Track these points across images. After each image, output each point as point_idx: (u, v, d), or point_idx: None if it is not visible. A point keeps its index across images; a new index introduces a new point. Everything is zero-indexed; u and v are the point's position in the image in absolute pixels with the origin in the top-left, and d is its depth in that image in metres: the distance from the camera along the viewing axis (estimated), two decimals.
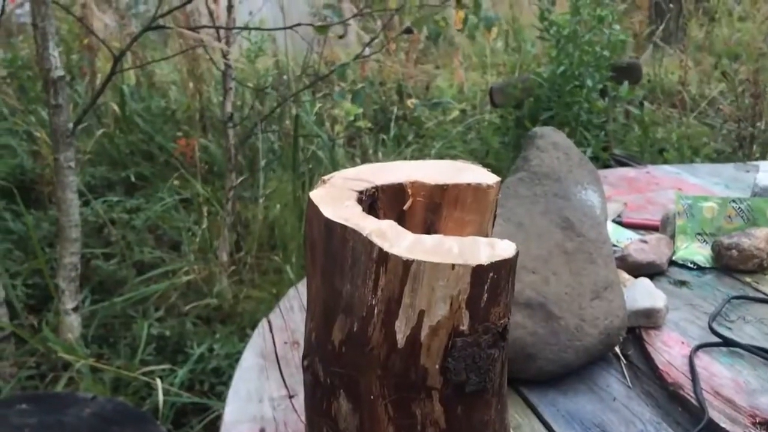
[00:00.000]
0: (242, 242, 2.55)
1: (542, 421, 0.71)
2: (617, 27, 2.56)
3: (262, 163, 2.56)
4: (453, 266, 0.38)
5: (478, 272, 0.38)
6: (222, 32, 1.95)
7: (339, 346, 0.42)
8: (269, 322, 0.89)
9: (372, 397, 0.41)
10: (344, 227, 0.40)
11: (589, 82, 2.48)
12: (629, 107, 2.94)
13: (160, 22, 1.61)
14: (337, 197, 0.42)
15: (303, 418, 0.71)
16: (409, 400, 0.41)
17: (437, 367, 0.40)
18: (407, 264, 0.38)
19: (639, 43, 3.73)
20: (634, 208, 1.28)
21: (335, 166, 2.66)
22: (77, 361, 1.77)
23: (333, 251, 0.41)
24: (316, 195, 0.42)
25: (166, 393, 1.71)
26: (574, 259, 0.80)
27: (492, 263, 0.38)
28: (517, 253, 0.41)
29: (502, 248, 0.40)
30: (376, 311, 0.40)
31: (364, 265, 0.40)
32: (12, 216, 2.57)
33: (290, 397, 0.74)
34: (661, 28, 3.80)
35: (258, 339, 0.86)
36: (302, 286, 0.98)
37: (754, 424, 0.69)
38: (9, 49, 3.76)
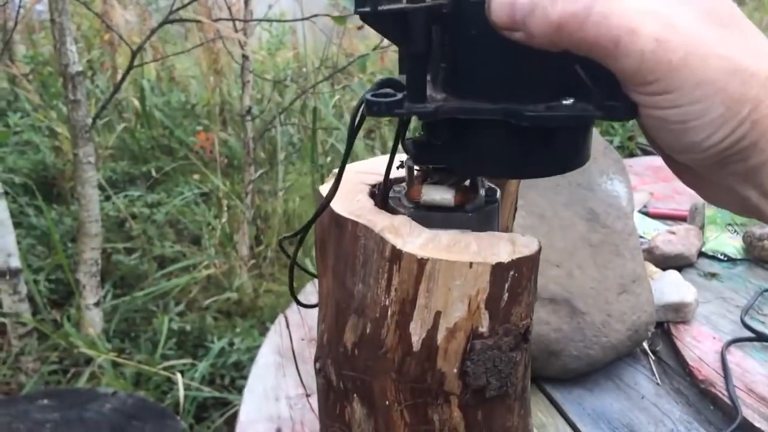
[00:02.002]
0: (262, 236, 2.54)
1: (567, 421, 0.68)
2: None
3: (281, 155, 2.54)
4: (471, 264, 0.35)
5: (498, 270, 0.36)
6: (239, 24, 1.93)
7: (351, 348, 0.39)
8: (286, 318, 0.88)
9: (387, 402, 0.39)
10: (355, 223, 0.38)
11: None
12: None
13: (180, 15, 1.59)
14: (348, 191, 0.40)
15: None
16: (426, 406, 0.39)
17: (455, 371, 0.37)
18: (422, 262, 0.36)
19: None
20: (661, 197, 1.25)
21: (354, 159, 2.64)
22: (98, 356, 1.77)
23: (344, 249, 0.39)
24: (326, 189, 0.40)
25: (186, 388, 1.71)
26: (599, 252, 0.77)
27: (513, 260, 0.36)
28: (540, 249, 0.38)
29: (524, 244, 0.38)
30: (389, 312, 0.37)
31: (377, 263, 0.37)
32: (35, 212, 2.59)
33: (307, 395, 0.73)
34: None
35: (275, 336, 0.84)
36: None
37: None
38: (30, 45, 3.78)
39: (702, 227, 1.05)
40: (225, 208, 2.50)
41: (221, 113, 3.38)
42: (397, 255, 0.36)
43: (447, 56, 0.34)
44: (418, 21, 0.32)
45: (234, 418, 1.84)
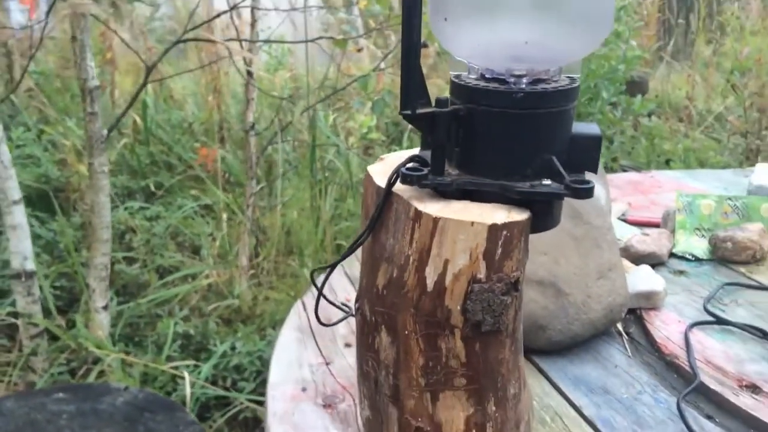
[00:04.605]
0: (260, 248, 2.64)
1: (552, 384, 0.79)
2: (633, 43, 2.65)
3: (281, 171, 2.65)
4: (472, 223, 0.46)
5: (493, 230, 0.47)
6: (245, 45, 2.05)
7: (382, 289, 0.50)
8: (303, 303, 0.98)
9: (406, 332, 0.50)
10: (391, 192, 0.49)
11: (605, 95, 2.57)
12: (639, 119, 3.02)
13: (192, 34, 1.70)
14: (388, 171, 0.51)
15: (339, 380, 0.80)
16: (436, 336, 0.49)
17: (459, 308, 0.48)
18: (436, 221, 0.47)
19: (647, 59, 3.81)
20: (638, 207, 1.36)
21: (351, 175, 2.75)
22: (107, 356, 1.86)
23: (381, 215, 0.50)
24: (373, 169, 0.52)
25: (191, 386, 1.80)
26: (581, 244, 0.88)
27: (505, 223, 0.47)
28: (530, 218, 0.49)
29: (517, 213, 0.48)
30: (411, 260, 0.48)
31: (404, 222, 0.48)
32: (38, 223, 2.68)
33: (327, 363, 0.83)
34: (671, 44, 3.88)
35: (294, 317, 0.94)
36: (335, 274, 1.07)
37: (740, 386, 0.77)
38: (34, 61, 3.88)
39: (673, 231, 1.17)
40: (225, 220, 2.60)
41: (220, 131, 3.49)
42: (418, 215, 0.47)
43: (461, 144, 0.49)
44: (443, 121, 0.47)
45: (235, 418, 1.93)
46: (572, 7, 0.44)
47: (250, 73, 2.08)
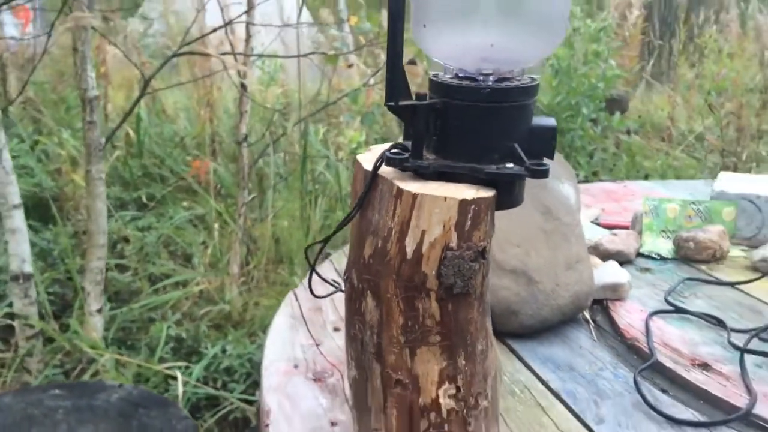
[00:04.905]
0: (251, 257, 2.70)
1: (523, 362, 0.86)
2: (612, 62, 2.77)
3: (272, 182, 2.73)
4: (445, 199, 0.54)
5: (463, 204, 0.54)
6: (239, 58, 2.13)
7: (368, 259, 0.58)
8: (295, 294, 1.05)
9: (389, 295, 0.57)
10: (377, 174, 0.57)
11: (585, 111, 2.68)
12: (619, 135, 3.13)
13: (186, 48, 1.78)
14: (374, 158, 0.58)
15: (328, 359, 0.87)
16: (413, 298, 0.57)
17: (433, 273, 0.56)
18: (415, 197, 0.55)
19: (628, 78, 3.93)
20: (611, 213, 1.45)
21: (340, 188, 2.84)
22: (101, 356, 1.91)
23: (368, 194, 0.57)
24: (361, 157, 0.60)
25: (184, 385, 1.85)
26: (551, 237, 0.96)
27: (473, 199, 0.55)
28: (495, 196, 0.57)
29: (484, 191, 0.56)
30: (393, 232, 0.56)
31: (387, 200, 0.56)
32: (32, 231, 2.73)
33: (317, 345, 0.90)
34: (650, 64, 4.01)
35: (286, 306, 1.01)
36: (324, 268, 1.14)
37: (692, 365, 0.85)
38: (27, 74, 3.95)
39: (640, 232, 1.25)
40: (217, 229, 2.66)
41: (212, 144, 3.57)
42: (400, 192, 0.55)
43: (437, 133, 0.57)
44: (422, 112, 0.56)
45: (225, 418, 1.99)
46: (530, 17, 0.53)
47: (243, 86, 2.16)
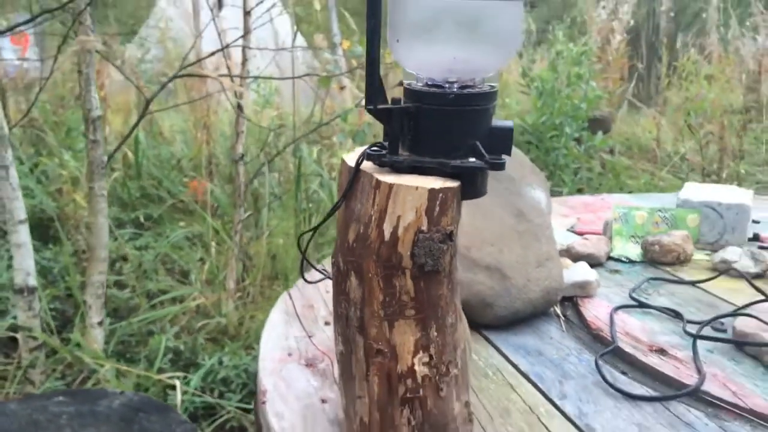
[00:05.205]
0: (247, 273, 2.78)
1: (496, 349, 0.95)
2: (593, 84, 2.89)
3: (267, 200, 2.82)
4: (417, 188, 0.63)
5: (432, 193, 0.63)
6: (236, 80, 2.23)
7: (352, 243, 0.66)
8: (290, 294, 1.13)
9: (370, 275, 0.66)
10: (359, 169, 0.66)
11: (568, 130, 2.79)
12: (603, 154, 3.25)
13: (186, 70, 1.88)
14: (354, 157, 0.67)
15: (319, 348, 0.95)
16: (391, 276, 0.65)
17: (408, 253, 0.64)
18: (391, 187, 0.64)
19: (613, 99, 4.06)
20: (586, 222, 1.54)
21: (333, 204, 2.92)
22: (102, 366, 1.98)
23: (352, 186, 0.66)
24: (346, 157, 0.69)
25: (182, 394, 1.92)
26: (523, 238, 1.05)
27: (441, 188, 0.64)
28: (459, 186, 0.66)
29: (450, 182, 0.65)
30: (373, 218, 0.65)
31: (368, 191, 0.65)
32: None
33: (309, 336, 0.98)
34: (631, 86, 4.14)
35: (281, 304, 1.10)
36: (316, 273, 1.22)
37: (650, 350, 0.93)
38: (26, 100, 4.05)
39: (611, 238, 1.34)
40: (213, 246, 2.75)
41: (208, 165, 3.66)
42: (378, 183, 0.64)
43: (410, 132, 0.67)
44: (397, 115, 0.66)
45: (222, 427, 2.06)
46: (484, 35, 0.62)
47: (240, 107, 2.26)
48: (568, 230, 1.44)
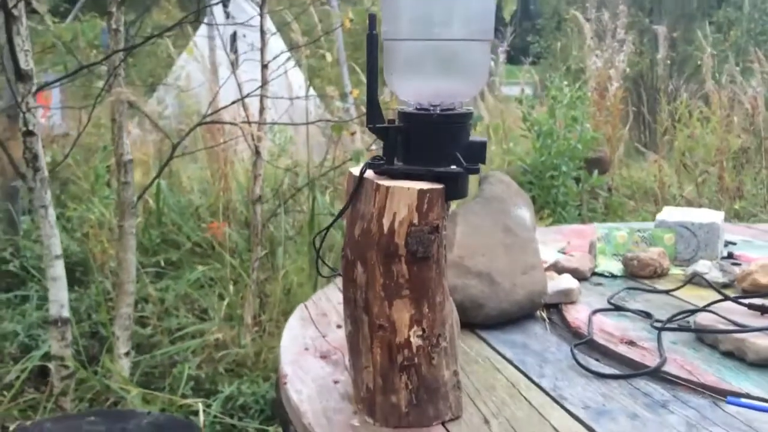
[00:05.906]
0: (263, 311, 2.93)
1: (486, 343, 1.09)
2: (588, 125, 3.06)
3: (282, 240, 2.98)
4: (408, 189, 0.79)
5: (421, 193, 0.79)
6: (254, 127, 2.42)
7: (357, 237, 0.82)
8: (305, 305, 1.28)
9: (372, 263, 0.81)
10: (363, 177, 0.82)
11: (564, 168, 2.95)
12: (599, 191, 3.40)
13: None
14: (358, 168, 0.83)
15: (332, 344, 1.09)
16: (390, 263, 0.80)
17: (403, 243, 0.79)
18: (388, 189, 0.79)
19: (612, 143, 4.24)
20: (576, 247, 1.68)
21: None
22: (129, 392, 2.12)
23: (357, 191, 0.82)
24: (351, 170, 0.85)
25: (205, 417, 2.05)
26: (510, 250, 1.20)
27: (427, 189, 0.79)
28: (443, 188, 0.81)
29: (435, 185, 0.81)
30: (374, 215, 0.80)
31: (370, 193, 0.81)
32: None
33: (323, 336, 1.13)
34: (626, 128, 4.32)
35: (298, 312, 1.24)
36: (329, 290, 1.37)
37: (621, 342, 1.07)
38: (54, 152, 4.29)
39: (595, 256, 1.48)
40: (232, 284, 2.90)
41: (225, 211, 3.85)
42: (378, 187, 0.80)
43: (403, 146, 0.82)
44: (392, 132, 0.83)
45: None
46: (458, 71, 0.79)
47: (258, 151, 2.45)
48: (558, 251, 1.59)
